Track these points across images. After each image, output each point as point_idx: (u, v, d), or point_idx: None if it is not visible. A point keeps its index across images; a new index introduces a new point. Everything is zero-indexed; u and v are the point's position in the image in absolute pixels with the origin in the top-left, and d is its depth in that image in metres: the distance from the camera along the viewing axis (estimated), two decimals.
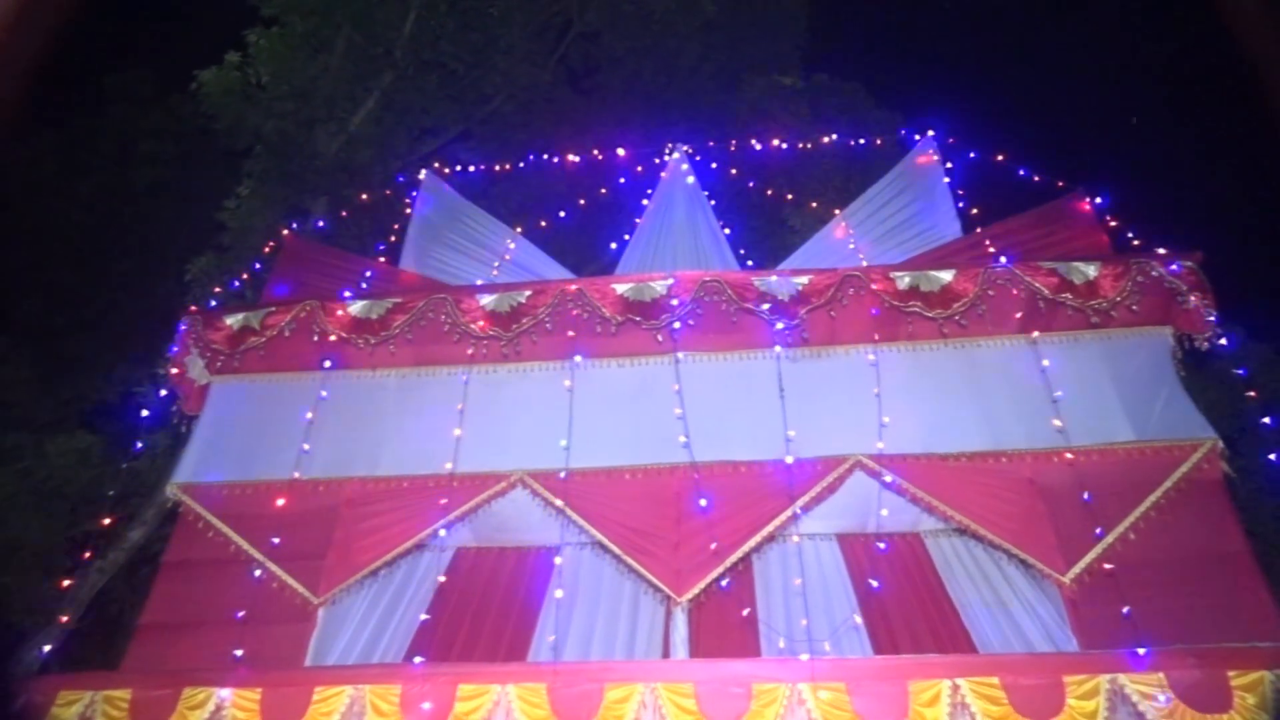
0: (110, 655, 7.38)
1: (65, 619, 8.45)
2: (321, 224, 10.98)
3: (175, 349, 7.52)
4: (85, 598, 9.79)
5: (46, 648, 8.36)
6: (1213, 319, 6.79)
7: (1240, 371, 6.66)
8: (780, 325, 6.98)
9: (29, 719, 5.76)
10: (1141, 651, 5.33)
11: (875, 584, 6.76)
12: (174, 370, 7.53)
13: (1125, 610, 5.65)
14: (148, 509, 10.12)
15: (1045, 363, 6.81)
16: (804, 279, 7.11)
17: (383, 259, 8.98)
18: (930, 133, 9.34)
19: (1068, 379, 6.80)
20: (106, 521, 7.45)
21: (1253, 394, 6.50)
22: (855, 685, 5.39)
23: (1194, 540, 6.25)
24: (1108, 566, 6.01)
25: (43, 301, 13.22)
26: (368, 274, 8.16)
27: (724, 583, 6.41)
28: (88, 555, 7.30)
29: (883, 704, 5.32)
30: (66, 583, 7.46)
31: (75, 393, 12.72)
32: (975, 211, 8.60)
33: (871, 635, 6.56)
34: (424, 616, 6.88)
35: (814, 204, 10.44)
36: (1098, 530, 6.12)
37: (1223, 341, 6.70)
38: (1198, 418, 6.64)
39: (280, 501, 6.80)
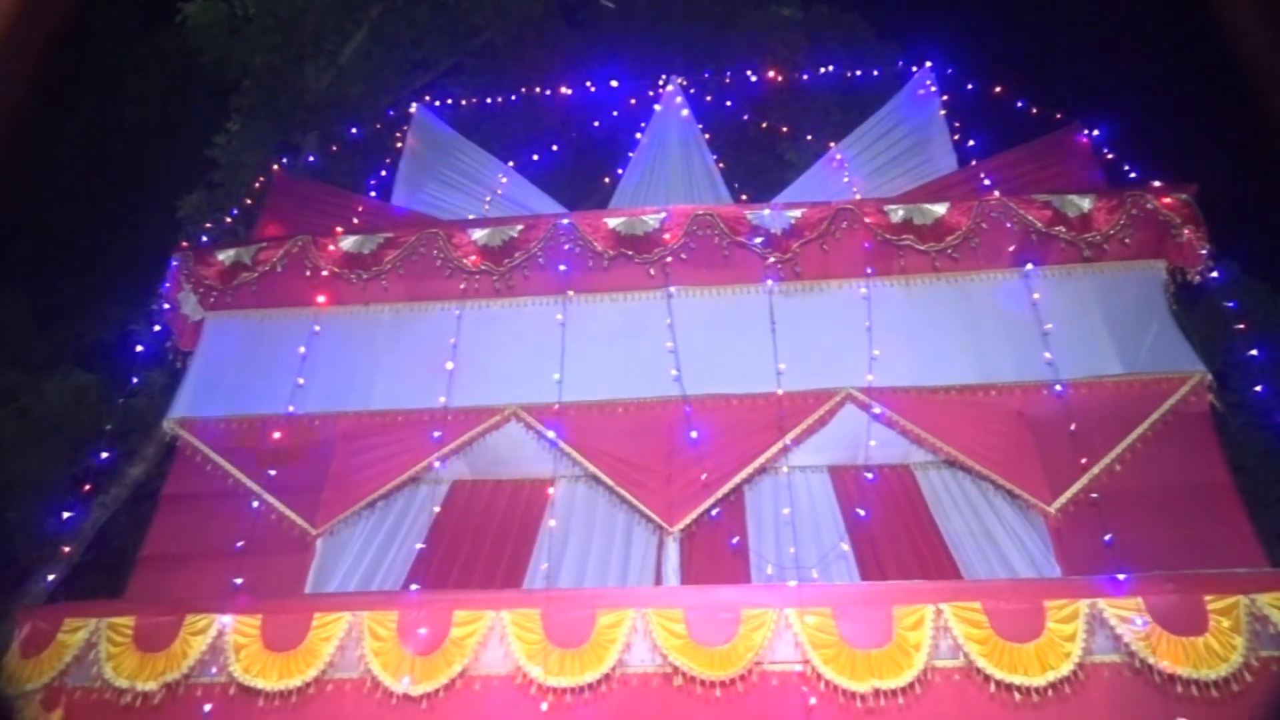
0: (114, 589, 7.52)
1: (68, 549, 8.59)
2: (312, 159, 10.88)
3: (168, 285, 7.53)
4: (88, 533, 9.93)
5: (51, 577, 8.51)
6: (1205, 252, 6.78)
7: (1231, 305, 6.68)
8: (772, 259, 6.97)
9: (36, 647, 5.89)
10: (1121, 578, 5.44)
11: (863, 513, 6.86)
12: (167, 306, 7.54)
13: (1108, 538, 5.75)
14: (147, 446, 10.22)
15: (1036, 296, 6.84)
16: (797, 212, 7.09)
17: (374, 194, 8.92)
18: (928, 64, 9.21)
19: (1059, 312, 6.83)
20: (105, 455, 7.50)
21: (1242, 326, 6.53)
22: (841, 610, 5.51)
23: (1179, 472, 6.34)
24: (1093, 496, 6.11)
25: (34, 242, 13.16)
26: (359, 209, 8.13)
27: (714, 513, 6.52)
28: (88, 488, 7.39)
29: (867, 628, 5.44)
30: (67, 514, 7.56)
31: (70, 332, 12.74)
32: (972, 144, 8.52)
33: (859, 563, 6.69)
34: (420, 546, 7.00)
35: (809, 137, 10.33)
36: (1083, 461, 6.20)
37: (1215, 274, 6.71)
38: (1187, 351, 6.69)
39: (276, 435, 6.87)
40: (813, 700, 5.37)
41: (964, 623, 5.41)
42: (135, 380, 7.84)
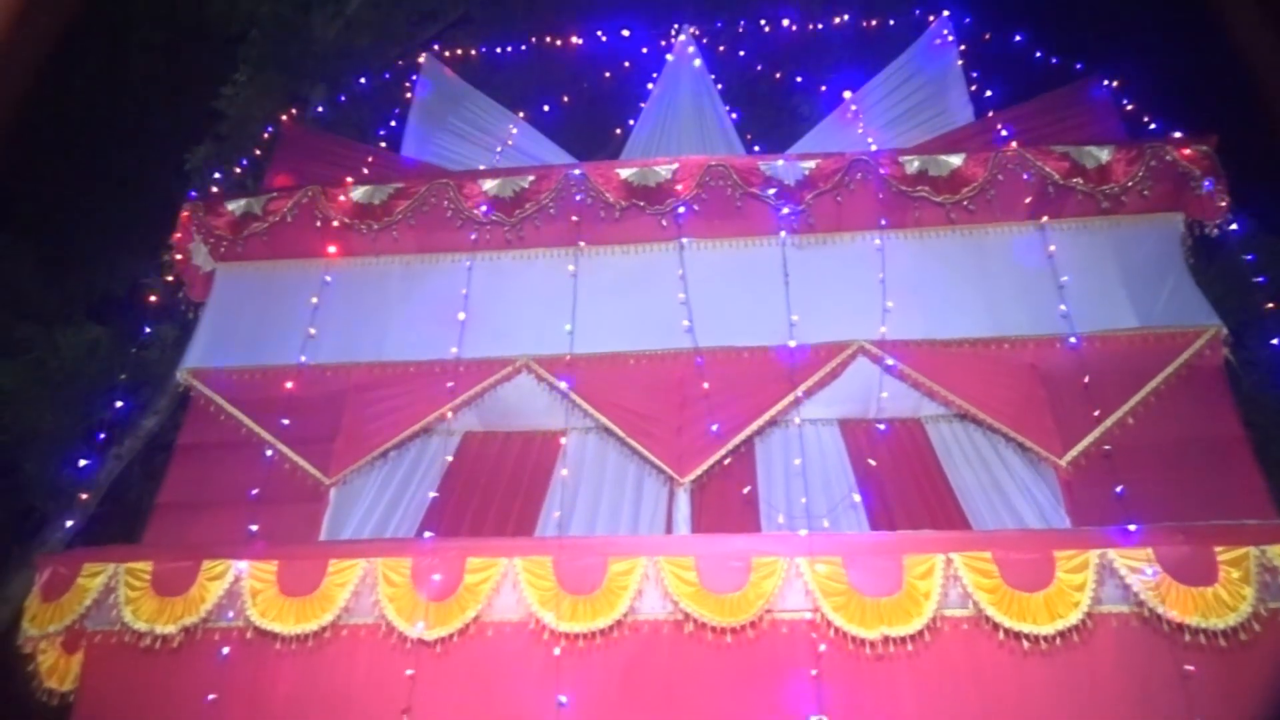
0: (130, 539, 7.59)
1: (85, 496, 8.69)
2: (320, 110, 10.79)
3: (178, 236, 7.52)
4: (103, 484, 10.04)
5: (70, 523, 8.62)
6: (1225, 205, 6.71)
7: (1249, 258, 6.61)
8: (786, 210, 6.92)
9: (56, 591, 5.98)
10: (1132, 528, 5.45)
11: (874, 463, 6.89)
12: (178, 257, 7.54)
13: (1119, 489, 5.76)
14: (160, 398, 10.29)
15: (1052, 249, 6.78)
16: (811, 164, 7.02)
17: (383, 145, 8.85)
18: (945, 14, 9.04)
19: (1074, 265, 6.78)
20: (119, 405, 7.55)
21: (1260, 279, 6.47)
22: (851, 559, 5.55)
23: (1191, 426, 6.33)
24: (1105, 448, 6.11)
25: (43, 196, 13.12)
26: (369, 160, 8.07)
27: (725, 462, 6.54)
28: (102, 438, 7.45)
29: (877, 577, 5.48)
30: (83, 462, 7.65)
31: (81, 287, 12.75)
32: (989, 95, 8.40)
33: (869, 514, 6.72)
34: (433, 495, 7.05)
35: (823, 88, 10.19)
36: (1096, 414, 6.19)
37: (1234, 227, 6.64)
38: (1203, 304, 6.64)
39: (288, 385, 6.89)
40: (822, 647, 5.43)
41: (974, 572, 5.44)
42: (147, 331, 7.85)
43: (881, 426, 7.28)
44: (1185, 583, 5.24)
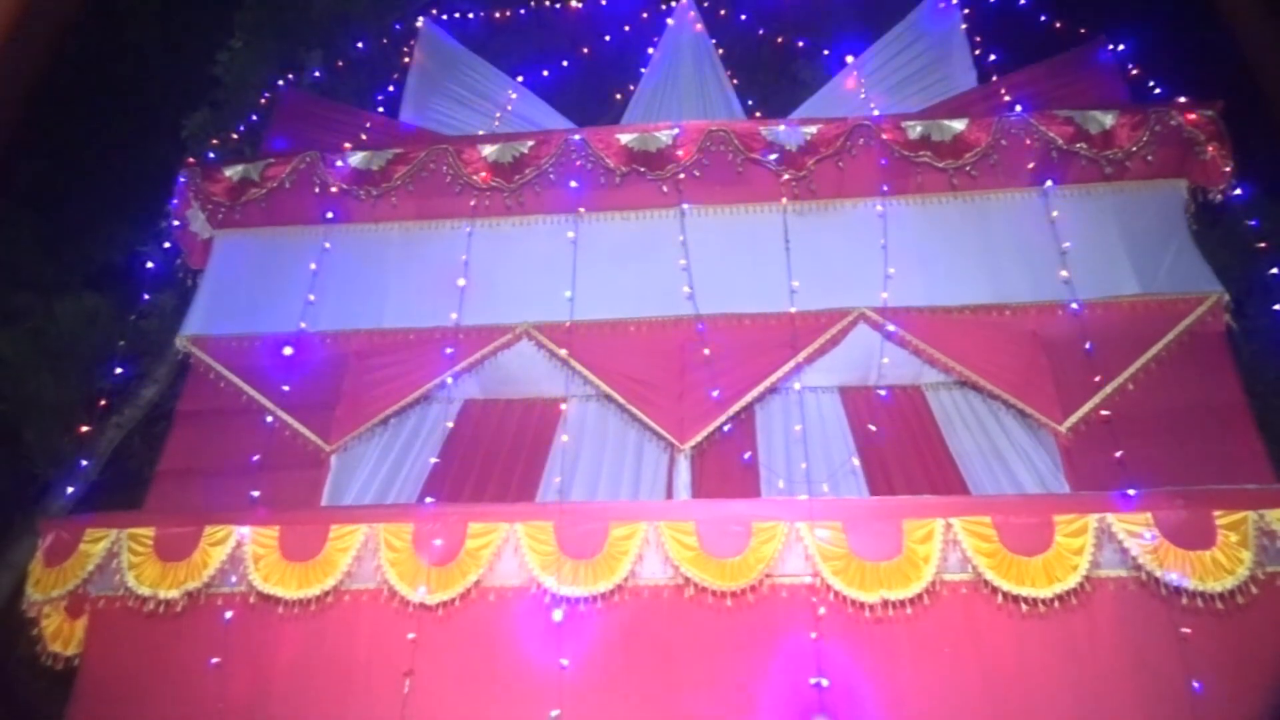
0: (132, 508, 7.62)
1: (86, 463, 8.71)
2: (318, 75, 10.67)
3: (176, 202, 7.49)
4: (104, 453, 10.04)
5: (70, 489, 8.65)
6: (1229, 170, 6.67)
7: (1252, 223, 6.58)
8: (787, 176, 6.88)
9: (59, 556, 6.00)
10: (1131, 493, 5.47)
11: (874, 429, 6.90)
12: (175, 223, 7.51)
13: (1118, 454, 5.76)
14: (159, 367, 10.27)
15: (1055, 214, 6.75)
16: (812, 129, 6.97)
17: (381, 111, 8.77)
18: None
19: (1077, 231, 6.75)
20: (119, 371, 7.55)
21: (1263, 245, 6.44)
22: (851, 524, 5.57)
23: (1192, 392, 6.33)
24: (1105, 414, 6.11)
25: (40, 165, 13.01)
26: (367, 125, 8.02)
27: (726, 428, 6.55)
28: (103, 403, 7.45)
29: (877, 541, 5.50)
30: (85, 428, 7.66)
31: (79, 255, 12.67)
32: (993, 59, 8.31)
33: (869, 479, 6.74)
34: (434, 460, 7.06)
35: (826, 52, 10.09)
36: (1097, 379, 6.19)
37: (1237, 192, 6.60)
38: (1205, 271, 6.62)
39: (288, 352, 6.88)
40: (822, 610, 5.47)
41: (973, 536, 5.46)
42: (146, 298, 7.83)
43: (882, 393, 7.28)
44: (1183, 546, 5.26)
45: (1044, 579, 5.30)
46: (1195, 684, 5.05)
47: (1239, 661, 5.24)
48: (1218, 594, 5.16)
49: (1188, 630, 5.18)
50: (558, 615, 5.56)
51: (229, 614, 5.82)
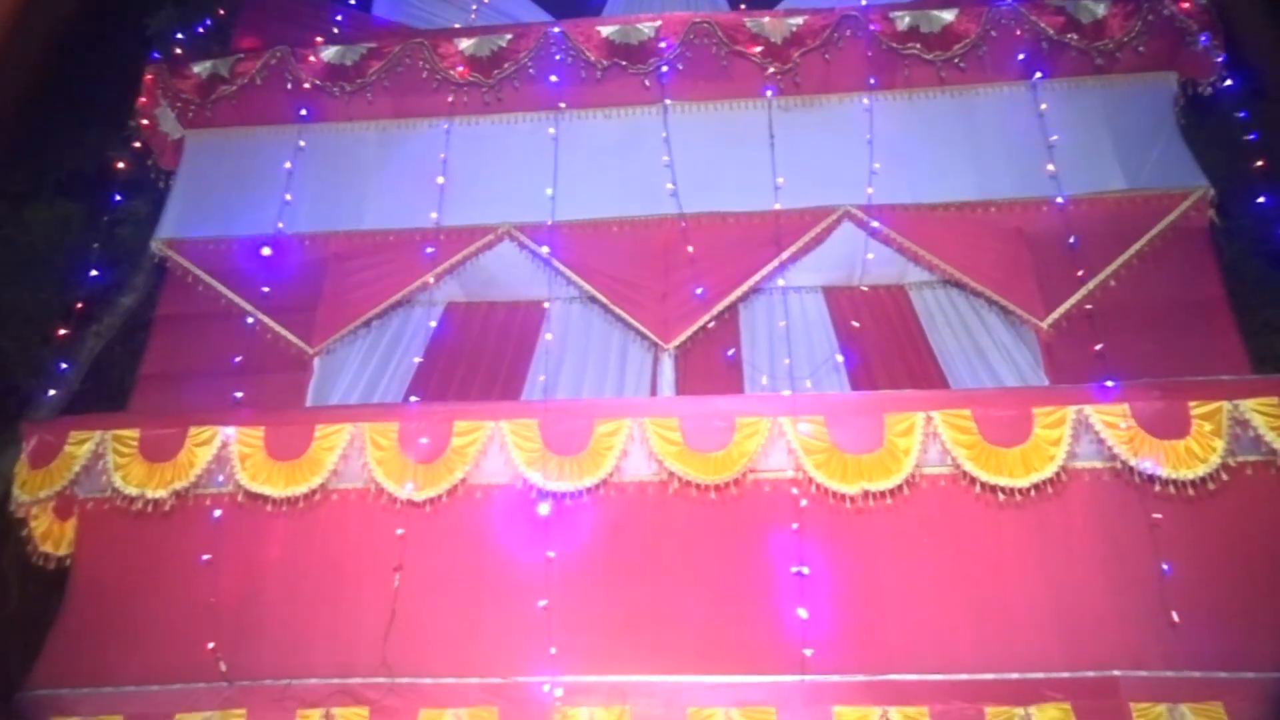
0: None
1: (66, 366, 8.65)
2: None
3: (144, 100, 7.26)
4: (85, 362, 9.96)
5: (51, 393, 8.61)
6: (1220, 61, 6.57)
7: (1242, 115, 6.50)
8: (772, 69, 6.73)
9: (43, 458, 6.00)
10: (1109, 384, 5.54)
11: (857, 324, 6.93)
12: (144, 122, 7.29)
13: (1099, 347, 5.81)
14: (136, 275, 10.10)
15: (1043, 107, 6.64)
16: (798, 20, 6.81)
17: (353, 4, 8.45)
18: None
19: (1065, 126, 6.68)
20: (94, 274, 7.43)
21: (1251, 136, 6.38)
22: (833, 418, 5.64)
23: (1173, 287, 6.37)
24: (1087, 307, 6.14)
25: (1, 73, 12.55)
26: (339, 20, 7.73)
27: (710, 326, 6.55)
28: (79, 306, 7.35)
29: (859, 435, 5.58)
30: (63, 331, 7.58)
31: (47, 163, 12.35)
32: None
33: (851, 376, 6.80)
34: (417, 360, 7.05)
35: None
36: (1080, 274, 6.20)
37: (1228, 83, 6.53)
38: (1191, 165, 6.59)
39: (267, 253, 6.77)
40: (803, 503, 5.57)
41: (953, 429, 5.54)
42: (118, 199, 7.64)
43: (865, 288, 7.29)
44: (1158, 436, 5.36)
45: (1021, 469, 5.41)
46: (1164, 566, 5.20)
47: (1207, 546, 5.42)
48: (1189, 481, 5.30)
49: (1159, 516, 5.32)
50: (544, 509, 5.64)
51: (217, 513, 5.87)
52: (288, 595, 5.80)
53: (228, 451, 5.90)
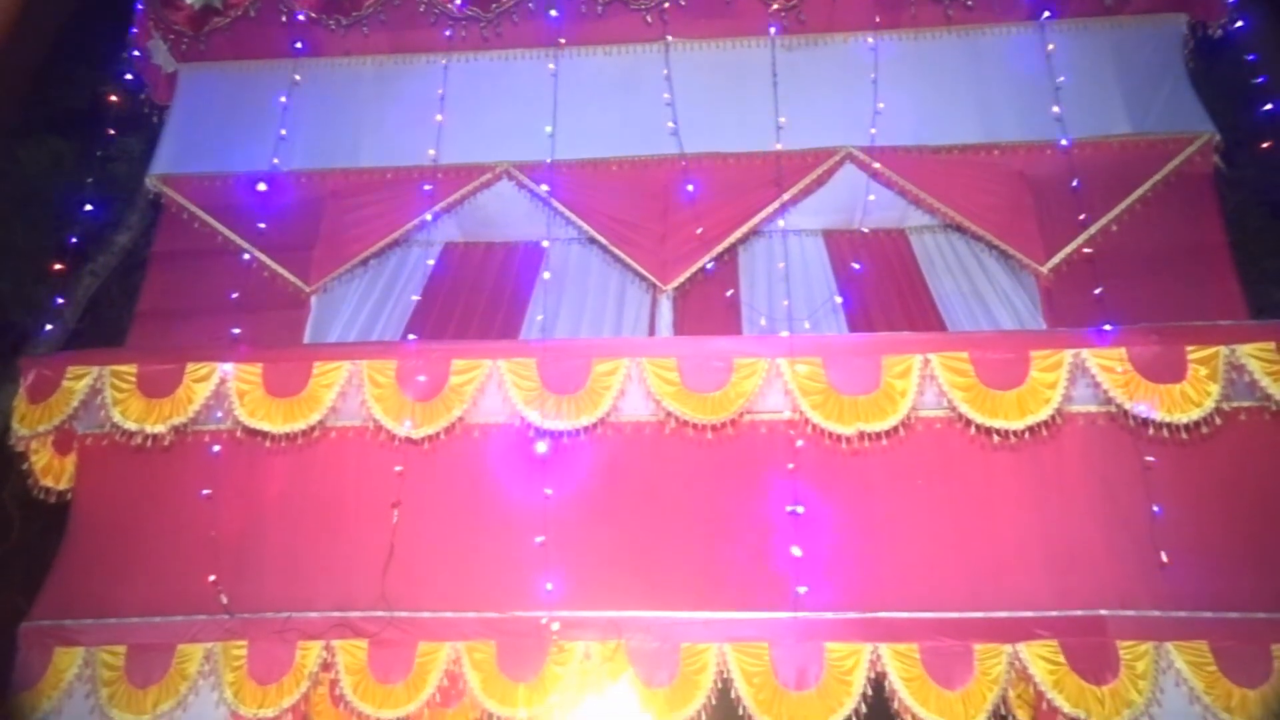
0: None
1: (62, 301, 8.63)
2: None
3: (135, 30, 7.14)
4: (81, 301, 9.93)
5: (48, 327, 8.60)
6: (1231, 2, 6.46)
7: (1251, 57, 6.41)
8: (776, 6, 6.62)
9: (42, 393, 6.00)
10: (1107, 329, 5.54)
11: (858, 266, 6.91)
12: (137, 54, 7.17)
13: (1097, 290, 5.80)
14: (131, 213, 10.03)
15: (1050, 47, 6.54)
16: None
17: None
18: None
19: (1072, 68, 6.57)
20: (89, 209, 7.35)
21: (1260, 80, 6.30)
22: (831, 359, 5.64)
23: (1175, 233, 6.32)
24: (1086, 251, 6.12)
25: None
26: None
27: (709, 267, 6.53)
28: (74, 242, 7.30)
29: (856, 376, 5.58)
30: (58, 266, 7.53)
31: (37, 99, 12.17)
32: None
33: (849, 319, 6.79)
34: (415, 298, 7.04)
35: None
36: (1081, 218, 6.17)
37: (1239, 24, 6.42)
38: (1198, 109, 6.52)
39: (263, 190, 6.71)
40: (800, 443, 5.60)
41: (950, 371, 5.55)
42: (111, 133, 7.54)
43: (865, 231, 7.25)
44: (1154, 380, 5.37)
45: (1016, 411, 5.42)
46: (1155, 508, 5.26)
47: (1197, 489, 5.47)
48: (1183, 425, 5.31)
49: (1152, 459, 5.36)
50: (541, 447, 5.67)
51: (216, 448, 5.90)
52: (288, 530, 5.85)
53: (226, 388, 5.90)
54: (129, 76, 7.24)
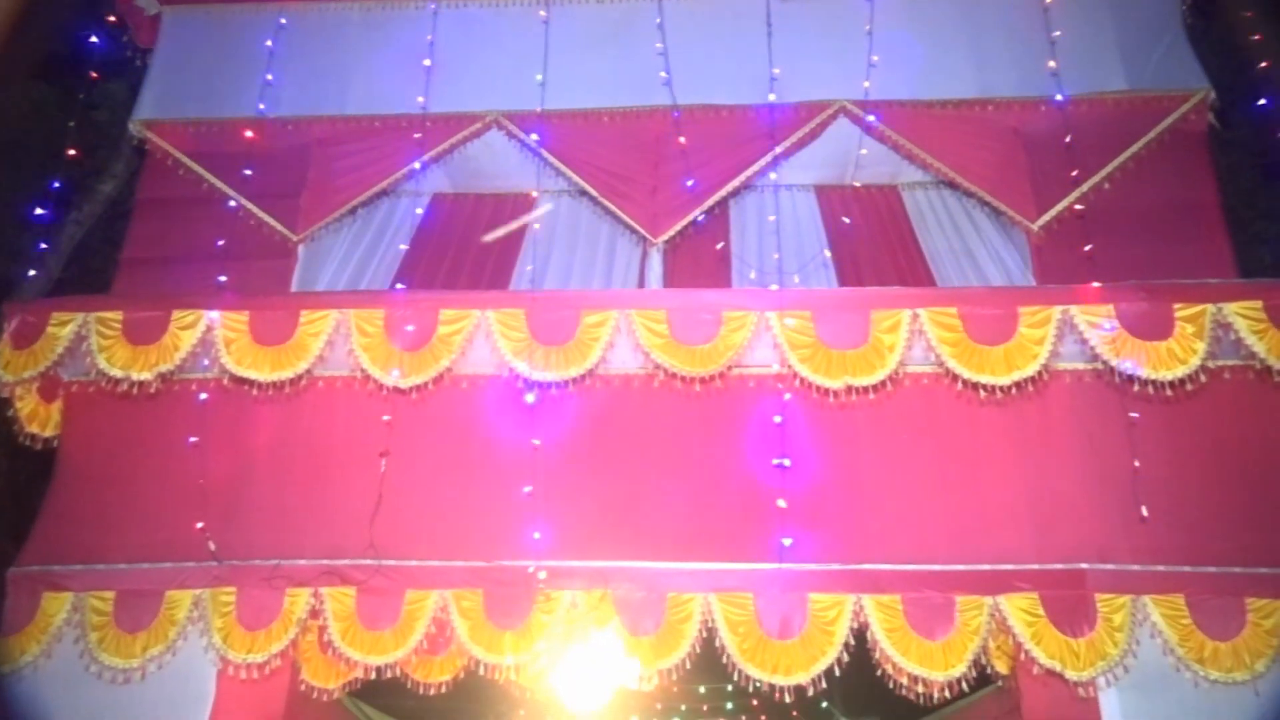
0: None
1: (45, 245, 8.52)
2: None
3: None
4: (65, 250, 9.82)
5: (32, 273, 8.51)
6: None
7: (1248, 14, 6.36)
8: None
9: (26, 339, 5.95)
10: (1096, 285, 5.55)
11: (848, 220, 6.89)
12: None
13: (1088, 248, 5.80)
14: (115, 161, 9.88)
15: (1047, 0, 6.46)
16: None
17: None
18: None
19: (1069, 22, 6.49)
20: (72, 153, 7.23)
21: (1257, 37, 6.25)
22: (820, 313, 5.63)
23: (1167, 191, 6.33)
24: (1078, 208, 6.11)
25: None
26: None
27: (700, 219, 6.49)
28: (57, 186, 7.18)
29: (845, 330, 5.57)
30: (40, 211, 7.42)
31: (16, 42, 11.92)
32: None
33: (839, 273, 6.79)
34: (403, 248, 6.99)
35: None
36: (1074, 175, 6.14)
37: None
38: (1194, 67, 6.48)
39: (249, 136, 6.61)
40: (787, 396, 5.62)
41: (938, 326, 5.54)
42: (94, 76, 7.38)
43: (858, 185, 7.22)
44: (1141, 337, 5.39)
45: (1004, 367, 5.43)
46: (1136, 463, 5.31)
47: (1179, 446, 5.54)
48: (1168, 382, 5.34)
49: (1136, 415, 5.40)
50: (530, 398, 5.67)
51: (203, 396, 5.88)
52: (276, 478, 5.87)
53: (212, 335, 5.84)
54: (111, 18, 7.06)
